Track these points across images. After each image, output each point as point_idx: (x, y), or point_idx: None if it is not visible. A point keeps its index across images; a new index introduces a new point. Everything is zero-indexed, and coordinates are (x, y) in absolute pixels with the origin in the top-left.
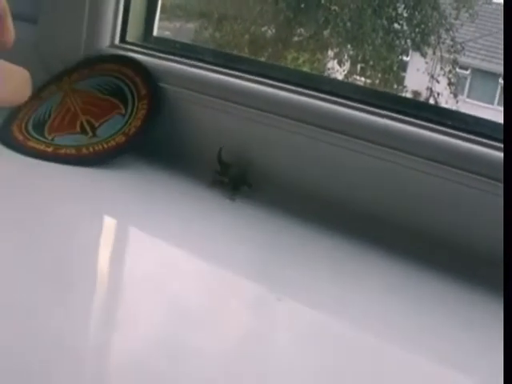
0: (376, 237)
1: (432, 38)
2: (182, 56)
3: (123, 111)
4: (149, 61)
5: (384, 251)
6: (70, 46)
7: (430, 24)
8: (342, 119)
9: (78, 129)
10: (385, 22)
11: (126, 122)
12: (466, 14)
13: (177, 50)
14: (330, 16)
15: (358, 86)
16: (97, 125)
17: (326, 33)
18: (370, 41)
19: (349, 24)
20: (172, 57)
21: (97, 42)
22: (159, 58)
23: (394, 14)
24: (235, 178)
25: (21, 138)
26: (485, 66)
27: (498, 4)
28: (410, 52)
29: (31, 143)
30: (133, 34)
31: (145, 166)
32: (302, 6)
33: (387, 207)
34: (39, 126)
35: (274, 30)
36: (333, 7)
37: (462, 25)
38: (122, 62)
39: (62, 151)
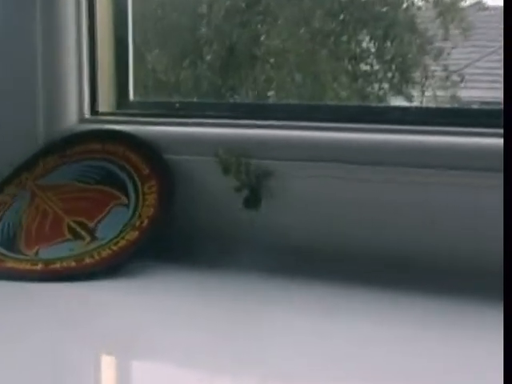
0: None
1: (416, 72)
2: (175, 115)
3: (125, 201)
4: (136, 130)
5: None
6: (23, 133)
7: (409, 55)
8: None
9: (68, 234)
10: (347, 65)
11: (134, 213)
12: (457, 31)
13: (169, 109)
14: (270, 71)
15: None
16: (92, 224)
17: (270, 96)
18: (333, 94)
19: (299, 77)
20: (164, 119)
21: (59, 120)
22: (147, 123)
23: (357, 50)
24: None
25: None
26: (492, 95)
27: (496, 8)
28: (389, 99)
29: (9, 264)
30: (105, 102)
31: (164, 267)
32: (229, 65)
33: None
34: (9, 241)
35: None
36: (270, 59)
37: (453, 47)
38: (103, 138)
39: (57, 266)
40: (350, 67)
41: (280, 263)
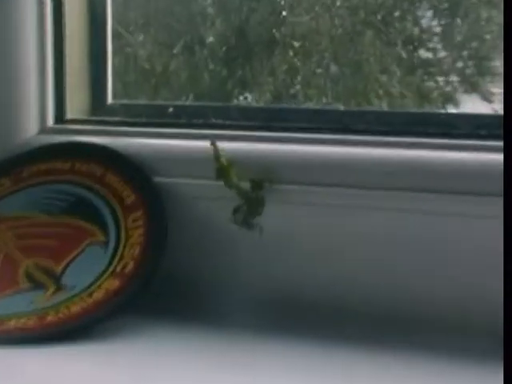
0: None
1: (497, 61)
2: (167, 124)
3: (102, 237)
4: (116, 143)
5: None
6: None
7: (487, 36)
8: None
9: (25, 282)
10: (401, 51)
11: (114, 254)
12: None
13: (159, 115)
14: (294, 60)
15: None
16: (59, 269)
17: (294, 94)
18: (381, 91)
19: (334, 68)
20: (154, 129)
21: (16, 131)
22: (132, 134)
23: (415, 31)
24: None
25: None
26: None
27: None
28: (459, 97)
29: None
30: (75, 106)
31: (148, 325)
32: (237, 52)
33: None
34: None
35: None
36: (294, 43)
37: None
38: (73, 153)
39: (10, 325)
40: (404, 54)
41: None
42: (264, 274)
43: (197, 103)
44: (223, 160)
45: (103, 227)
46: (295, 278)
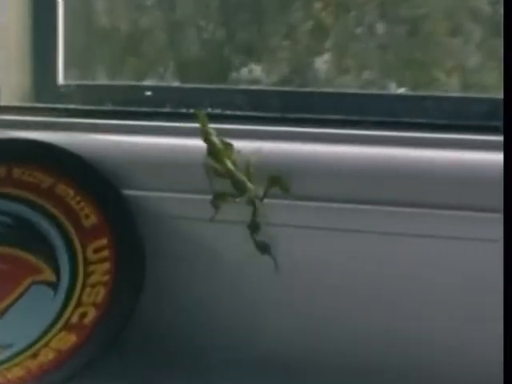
0: None
1: None
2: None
3: (50, 275)
4: (71, 140)
5: None
6: None
7: None
8: None
9: None
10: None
11: (68, 298)
12: None
13: (132, 100)
14: (322, 14)
15: None
16: None
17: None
18: (453, 61)
19: (381, 26)
20: (123, 121)
21: None
22: (92, 128)
23: None
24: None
25: None
26: None
27: None
28: None
29: None
30: (12, 88)
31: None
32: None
33: None
34: None
35: None
36: None
37: None
38: (10, 155)
39: None
40: (487, 5)
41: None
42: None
43: (186, 85)
44: (214, 139)
45: (52, 260)
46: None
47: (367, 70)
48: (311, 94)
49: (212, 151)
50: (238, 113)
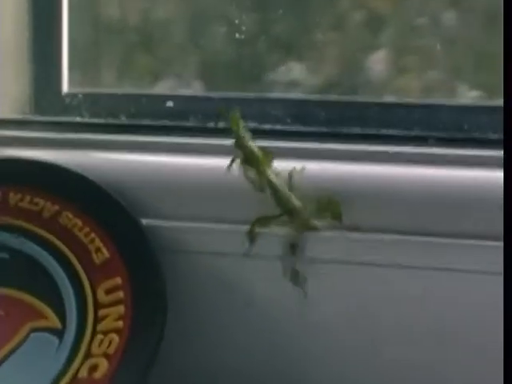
0: None
1: None
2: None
3: (55, 321)
4: (78, 160)
5: None
6: None
7: None
8: None
9: None
10: None
11: (75, 348)
12: None
13: (150, 112)
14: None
15: None
16: None
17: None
18: None
19: (451, 14)
20: (142, 137)
21: None
22: (103, 145)
23: None
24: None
25: None
26: None
27: None
28: None
29: None
30: (9, 98)
31: None
32: None
33: None
34: None
35: None
36: None
37: None
38: (6, 175)
39: None
40: None
41: None
42: None
43: (214, 94)
44: (251, 144)
45: (57, 303)
46: None
47: (433, 70)
48: (365, 104)
49: (248, 158)
50: (278, 127)
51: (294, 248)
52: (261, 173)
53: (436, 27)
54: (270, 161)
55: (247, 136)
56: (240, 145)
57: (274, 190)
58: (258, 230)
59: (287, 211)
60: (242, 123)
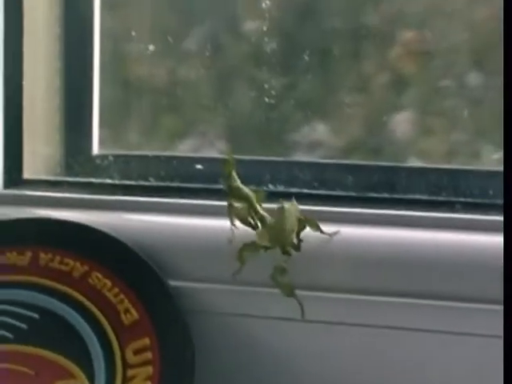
0: None
1: None
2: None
3: (82, 381)
4: (109, 222)
5: None
6: None
7: None
8: None
9: None
10: None
11: None
12: None
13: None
14: (397, 63)
15: None
16: None
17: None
18: None
19: (475, 76)
20: (172, 200)
21: None
22: (135, 208)
23: None
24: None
25: None
26: None
27: None
28: None
29: None
30: (38, 160)
31: None
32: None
33: None
34: None
35: None
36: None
37: None
38: (35, 235)
39: None
40: None
41: None
42: None
43: (243, 157)
44: (240, 185)
45: (85, 363)
46: None
47: (456, 131)
48: (391, 169)
49: (241, 198)
50: (305, 191)
51: (280, 268)
52: (254, 210)
53: (461, 88)
54: (262, 198)
55: (238, 180)
56: (231, 187)
57: (269, 227)
58: (245, 253)
59: (281, 246)
60: (234, 167)
